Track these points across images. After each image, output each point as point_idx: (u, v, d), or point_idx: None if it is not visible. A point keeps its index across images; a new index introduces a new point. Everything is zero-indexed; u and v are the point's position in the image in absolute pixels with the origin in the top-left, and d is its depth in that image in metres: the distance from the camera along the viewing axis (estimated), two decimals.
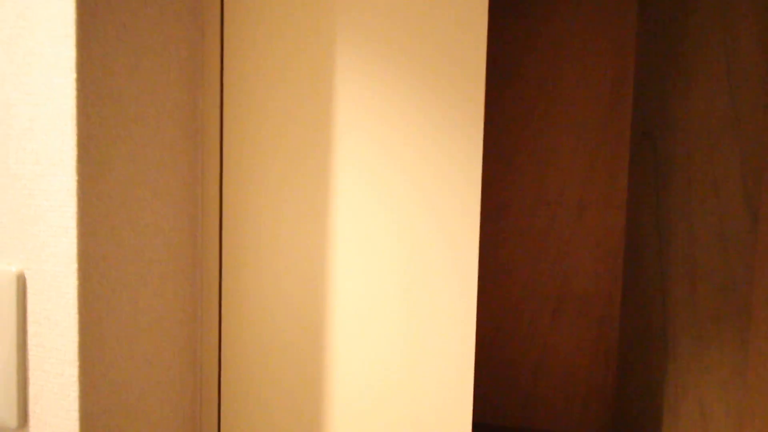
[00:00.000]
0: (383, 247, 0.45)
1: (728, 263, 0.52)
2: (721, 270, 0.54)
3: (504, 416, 0.90)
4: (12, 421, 0.35)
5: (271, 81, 0.46)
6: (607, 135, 0.84)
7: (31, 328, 0.35)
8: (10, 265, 0.35)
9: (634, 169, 0.81)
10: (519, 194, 0.86)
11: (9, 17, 0.34)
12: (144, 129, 0.40)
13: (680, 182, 0.65)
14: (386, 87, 0.44)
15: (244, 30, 0.46)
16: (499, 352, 0.87)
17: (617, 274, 0.85)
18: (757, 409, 0.50)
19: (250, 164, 0.47)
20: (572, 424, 0.88)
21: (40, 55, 0.34)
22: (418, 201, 0.44)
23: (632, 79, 0.84)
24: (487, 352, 0.91)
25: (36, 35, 0.34)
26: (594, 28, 0.84)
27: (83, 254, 0.34)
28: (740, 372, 0.52)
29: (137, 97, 0.39)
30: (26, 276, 0.35)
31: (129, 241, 0.39)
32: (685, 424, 0.62)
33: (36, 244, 0.35)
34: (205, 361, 0.49)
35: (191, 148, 0.47)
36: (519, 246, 0.87)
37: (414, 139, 0.44)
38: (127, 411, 0.39)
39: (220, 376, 0.49)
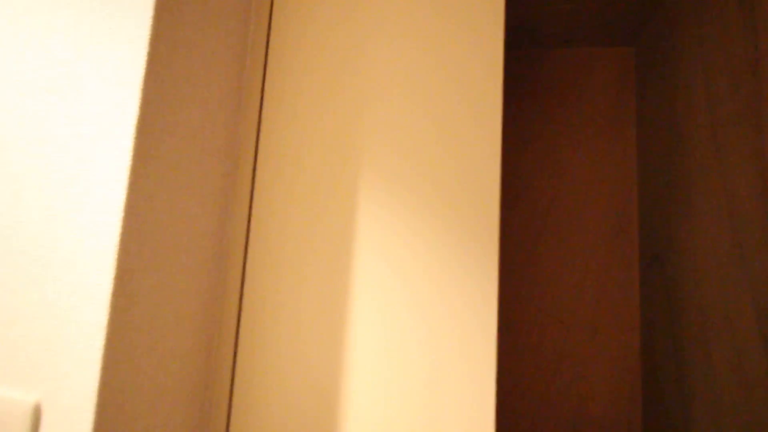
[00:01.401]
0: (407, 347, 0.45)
1: (750, 402, 0.51)
2: (743, 407, 0.52)
3: None
4: None
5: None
6: (615, 258, 0.86)
7: None
8: (28, 394, 0.35)
9: (646, 291, 0.82)
10: (529, 309, 0.86)
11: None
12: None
13: (693, 310, 0.65)
14: (404, 207, 0.47)
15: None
16: None
17: (636, 398, 0.81)
18: None
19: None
20: None
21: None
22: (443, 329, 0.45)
23: (637, 204, 0.87)
24: None
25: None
26: (597, 156, 0.89)
27: (104, 386, 0.34)
28: None
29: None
30: (43, 406, 0.35)
31: (149, 364, 0.39)
32: None
33: (59, 373, 0.35)
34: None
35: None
36: (531, 365, 0.84)
37: (436, 260, 0.46)
38: None
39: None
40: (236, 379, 0.48)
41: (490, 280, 0.45)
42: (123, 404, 0.36)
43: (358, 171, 0.48)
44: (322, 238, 0.48)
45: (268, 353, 0.48)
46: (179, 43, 0.40)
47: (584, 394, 0.82)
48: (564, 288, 0.87)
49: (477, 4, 0.49)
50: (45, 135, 0.38)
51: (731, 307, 0.56)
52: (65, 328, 0.35)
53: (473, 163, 0.47)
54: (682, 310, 0.70)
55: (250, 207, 0.50)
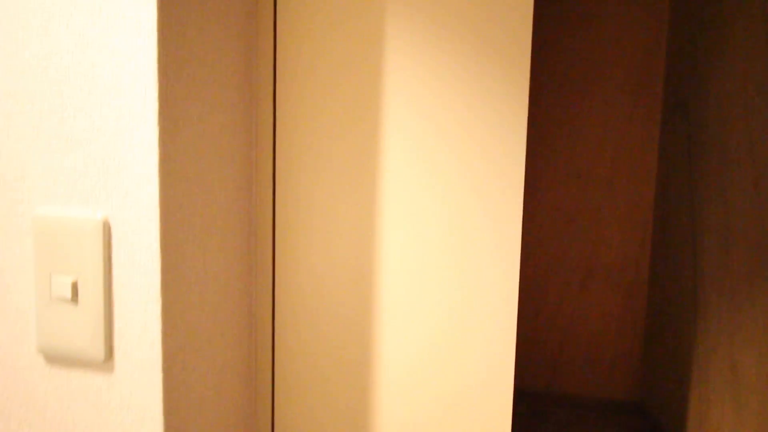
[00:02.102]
0: (430, 218, 0.48)
1: (763, 222, 0.54)
2: (756, 228, 0.55)
3: (531, 382, 0.92)
4: (99, 355, 0.38)
5: (321, 53, 0.49)
6: (637, 109, 0.85)
7: (116, 270, 0.38)
8: (96, 212, 0.38)
9: (666, 139, 0.82)
10: (551, 167, 0.88)
11: None
12: (210, 93, 0.42)
13: (714, 149, 0.66)
14: (432, 58, 0.46)
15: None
16: (527, 321, 0.89)
17: (646, 244, 0.86)
18: None
19: (302, 128, 0.50)
20: (598, 388, 0.90)
21: (123, 18, 0.36)
22: (464, 175, 0.47)
23: (665, 50, 0.84)
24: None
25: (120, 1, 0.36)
26: (625, 5, 0.84)
27: (164, 201, 0.37)
28: None
29: (204, 62, 0.41)
30: (111, 222, 0.38)
31: (198, 195, 0.42)
32: (715, 382, 0.64)
33: (120, 192, 0.38)
34: (260, 312, 0.52)
35: (247, 113, 0.49)
36: (549, 218, 0.88)
37: (460, 113, 0.46)
38: (198, 352, 0.42)
39: (274, 327, 0.52)
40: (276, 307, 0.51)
41: (519, 138, 0.46)
42: (182, 219, 0.40)
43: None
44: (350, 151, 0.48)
45: (298, 277, 0.50)
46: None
47: (597, 242, 0.87)
48: (584, 144, 0.88)
49: None
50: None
51: (755, 135, 0.57)
52: (120, 150, 0.37)
53: (502, 21, 0.45)
54: (701, 155, 0.71)
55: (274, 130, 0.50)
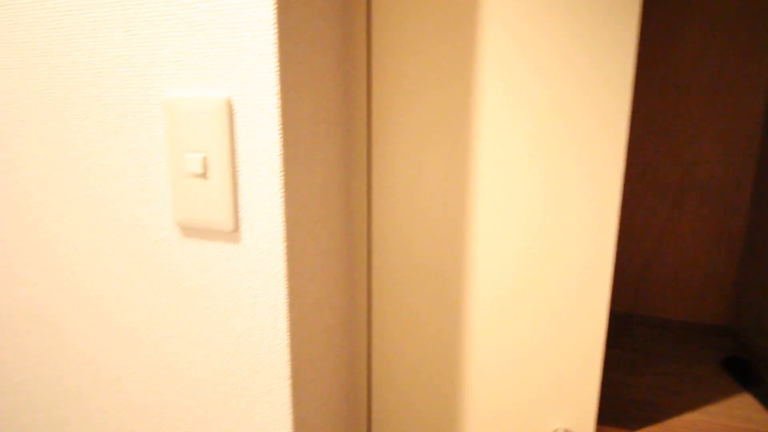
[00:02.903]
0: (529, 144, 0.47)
1: None
2: None
3: (614, 302, 0.91)
4: (228, 225, 0.42)
5: None
6: (744, 18, 0.76)
7: (239, 146, 0.41)
8: (220, 92, 0.41)
9: None
10: (645, 75, 0.82)
11: None
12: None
13: None
14: None
15: None
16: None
17: (749, 160, 0.80)
18: None
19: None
20: (685, 313, 0.88)
21: None
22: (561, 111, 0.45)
23: None
24: None
25: None
26: None
27: (282, 79, 0.39)
28: None
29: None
30: (233, 101, 0.41)
31: (308, 77, 0.43)
32: None
33: (241, 71, 0.40)
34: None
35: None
36: (640, 132, 0.83)
37: (560, 43, 0.44)
38: (309, 230, 0.46)
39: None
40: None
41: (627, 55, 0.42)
42: (297, 99, 0.42)
43: None
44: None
45: (398, 221, 0.50)
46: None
47: (694, 158, 0.82)
48: (686, 49, 0.81)
49: None
50: None
51: None
52: (239, 30, 0.39)
53: None
54: None
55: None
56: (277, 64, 0.39)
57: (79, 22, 0.44)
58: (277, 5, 0.38)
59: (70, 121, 0.47)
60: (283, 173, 0.40)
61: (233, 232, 0.43)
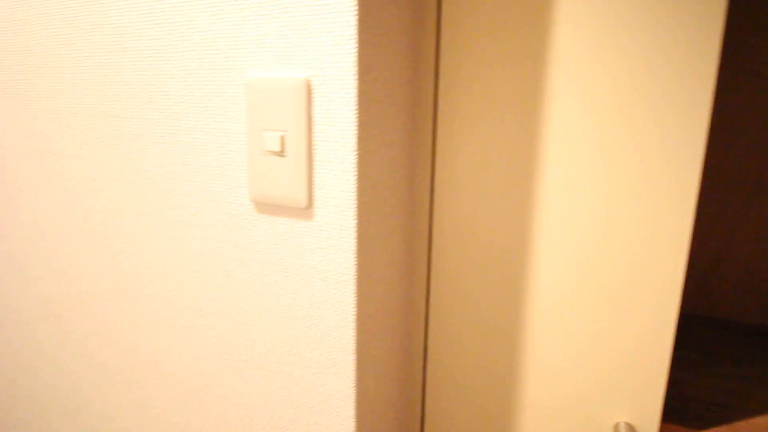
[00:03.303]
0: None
1: None
2: None
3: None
4: (302, 202, 0.44)
5: None
6: None
7: (316, 126, 0.43)
8: (300, 72, 0.42)
9: None
10: (721, 63, 0.78)
11: None
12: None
13: None
14: None
15: None
16: None
17: None
18: None
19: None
20: (753, 315, 0.83)
21: None
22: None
23: None
24: None
25: None
26: None
27: (361, 60, 0.40)
28: None
29: None
30: (312, 81, 0.42)
31: (385, 58, 0.44)
32: None
33: (321, 53, 0.41)
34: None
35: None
36: (712, 123, 0.79)
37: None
38: (377, 210, 0.47)
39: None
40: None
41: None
42: (373, 79, 0.42)
43: None
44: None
45: (458, 212, 0.50)
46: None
47: None
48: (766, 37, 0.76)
49: None
50: None
51: None
52: (321, 12, 0.40)
53: None
54: None
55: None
56: (357, 45, 0.40)
57: (167, 8, 0.47)
58: None
59: (157, 102, 0.50)
60: (357, 153, 0.41)
61: (306, 209, 0.45)
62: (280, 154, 0.44)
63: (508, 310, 0.54)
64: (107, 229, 0.58)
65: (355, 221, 0.43)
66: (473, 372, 0.57)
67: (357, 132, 0.41)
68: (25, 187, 0.64)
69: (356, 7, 0.39)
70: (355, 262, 0.43)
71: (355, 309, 0.44)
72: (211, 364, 0.54)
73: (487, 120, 0.51)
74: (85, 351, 0.66)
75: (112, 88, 0.53)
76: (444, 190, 0.55)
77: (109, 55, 0.52)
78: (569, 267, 0.51)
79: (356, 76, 0.40)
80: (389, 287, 0.51)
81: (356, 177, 0.42)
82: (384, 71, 0.45)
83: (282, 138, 0.43)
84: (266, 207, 0.47)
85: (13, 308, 0.71)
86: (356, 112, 0.41)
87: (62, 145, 0.59)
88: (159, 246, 0.55)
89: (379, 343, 0.50)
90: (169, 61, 0.49)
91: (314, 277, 0.46)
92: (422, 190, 0.55)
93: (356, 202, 0.42)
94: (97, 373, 0.66)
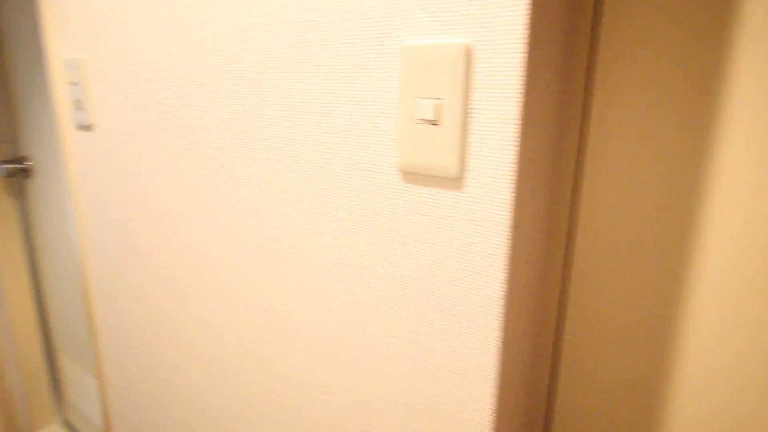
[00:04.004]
0: None
1: None
2: None
3: None
4: (453, 172, 0.43)
5: None
6: None
7: (475, 93, 0.41)
8: (460, 38, 0.41)
9: None
10: None
11: None
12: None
13: None
14: None
15: None
16: None
17: None
18: None
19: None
20: None
21: None
22: None
23: None
24: None
25: None
26: None
27: (531, 24, 0.38)
28: None
29: None
30: (473, 47, 0.41)
31: (548, 24, 0.41)
32: None
33: (485, 17, 0.39)
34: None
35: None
36: None
37: None
38: (530, 181, 0.44)
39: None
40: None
41: None
42: (539, 40, 0.40)
43: None
44: None
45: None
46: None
47: None
48: None
49: None
50: None
51: None
52: None
53: None
54: None
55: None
56: (527, 7, 0.37)
57: None
58: None
59: (306, 72, 0.52)
60: (520, 122, 0.39)
61: (457, 180, 0.44)
62: (434, 122, 0.43)
63: (662, 310, 0.49)
64: (253, 194, 0.62)
65: (512, 194, 0.41)
66: (612, 370, 0.53)
67: (520, 100, 0.39)
68: (175, 150, 0.71)
69: None
70: (508, 237, 0.42)
71: (503, 285, 0.43)
72: (346, 328, 0.57)
73: (650, 108, 0.46)
74: (225, 305, 0.72)
75: (268, 60, 0.56)
76: (594, 173, 0.51)
77: (266, 27, 0.55)
78: (745, 273, 0.45)
79: (525, 40, 0.38)
80: (530, 268, 0.49)
81: (516, 148, 0.40)
82: (545, 39, 0.42)
83: (437, 106, 0.43)
84: (414, 177, 0.46)
85: (165, 265, 0.80)
86: (522, 80, 0.39)
87: (216, 113, 0.64)
88: (300, 212, 0.57)
89: (518, 325, 0.48)
90: (322, 31, 0.50)
91: (460, 250, 0.45)
92: (566, 170, 0.52)
93: (515, 174, 0.40)
94: (233, 329, 0.72)
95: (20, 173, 1.37)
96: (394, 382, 0.54)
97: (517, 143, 0.40)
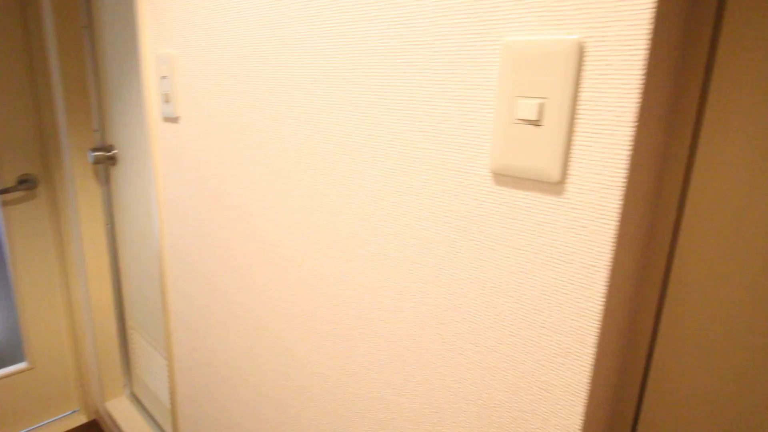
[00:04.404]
0: None
1: None
2: None
3: None
4: (554, 176, 0.41)
5: None
6: None
7: (584, 93, 0.39)
8: (570, 34, 0.39)
9: None
10: None
11: None
12: None
13: None
14: None
15: None
16: None
17: None
18: None
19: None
20: None
21: None
22: None
23: None
24: None
25: None
26: None
27: (656, 17, 0.35)
28: None
29: None
30: (585, 43, 0.38)
31: (671, 29, 0.38)
32: None
33: (603, 11, 0.37)
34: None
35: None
36: None
37: None
38: (638, 190, 0.41)
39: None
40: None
41: None
42: (661, 38, 0.37)
43: None
44: None
45: None
46: None
47: None
48: None
49: None
50: None
51: None
52: None
53: None
54: None
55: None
56: (654, 1, 0.34)
57: None
58: None
59: (400, 69, 0.51)
60: (635, 125, 0.37)
61: (557, 184, 0.41)
62: (536, 122, 0.41)
63: (765, 330, 0.44)
64: (332, 188, 0.62)
65: (620, 202, 0.38)
66: (705, 395, 0.49)
67: (638, 102, 0.36)
68: (257, 144, 0.72)
69: None
70: (612, 248, 0.39)
71: (603, 300, 0.40)
72: (421, 330, 0.55)
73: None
74: (296, 298, 0.73)
75: (356, 56, 0.56)
76: (702, 182, 0.46)
77: (356, 24, 0.55)
78: None
79: (649, 37, 0.35)
80: (627, 281, 0.46)
81: (629, 153, 0.37)
82: (665, 34, 0.39)
83: (540, 105, 0.41)
84: (507, 179, 0.45)
85: (239, 255, 0.82)
86: (641, 79, 0.36)
87: (300, 108, 0.64)
88: (380, 209, 0.57)
89: (611, 341, 0.45)
90: (418, 28, 0.49)
91: (555, 259, 0.43)
92: (673, 178, 0.48)
93: (625, 180, 0.38)
94: (302, 321, 0.73)
95: (107, 160, 1.47)
96: (469, 390, 0.52)
97: (630, 148, 0.37)
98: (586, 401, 0.43)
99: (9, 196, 1.54)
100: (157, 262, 1.39)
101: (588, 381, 0.42)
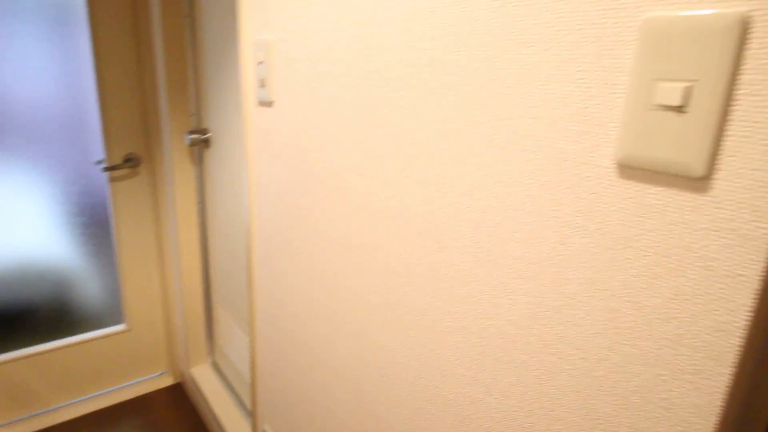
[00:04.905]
0: None
1: None
2: None
3: None
4: (696, 170, 0.36)
5: None
6: None
7: (746, 76, 0.33)
8: (730, 7, 0.34)
9: None
10: None
11: None
12: None
13: None
14: None
15: None
16: None
17: None
18: None
19: None
20: None
21: None
22: None
23: None
24: None
25: None
26: None
27: None
28: None
29: None
30: (752, 18, 0.33)
31: None
32: None
33: None
34: None
35: None
36: None
37: None
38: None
39: None
40: None
41: None
42: None
43: None
44: None
45: None
46: None
47: None
48: None
49: None
50: None
51: None
52: None
53: None
54: None
55: None
56: None
57: None
58: None
59: (510, 51, 0.48)
60: None
61: (701, 179, 0.36)
62: (679, 109, 0.36)
63: None
64: (428, 176, 0.60)
65: None
66: None
67: None
68: (350, 129, 0.72)
69: None
70: (767, 256, 0.34)
71: (750, 313, 0.35)
72: (516, 330, 0.52)
73: None
74: (381, 286, 0.72)
75: (461, 37, 0.53)
76: None
77: (462, 3, 0.52)
78: None
79: None
80: None
81: None
82: None
83: (686, 89, 0.36)
84: (636, 172, 0.40)
85: (328, 239, 0.83)
86: None
87: (401, 93, 0.63)
88: (479, 200, 0.54)
89: (751, 360, 0.40)
90: (534, 5, 0.45)
91: (690, 263, 0.38)
92: None
93: None
94: (385, 310, 0.72)
95: (201, 143, 1.56)
96: (570, 398, 0.48)
97: None
98: (717, 427, 0.38)
99: (117, 173, 1.68)
100: (244, 241, 1.46)
101: (721, 404, 0.37)
